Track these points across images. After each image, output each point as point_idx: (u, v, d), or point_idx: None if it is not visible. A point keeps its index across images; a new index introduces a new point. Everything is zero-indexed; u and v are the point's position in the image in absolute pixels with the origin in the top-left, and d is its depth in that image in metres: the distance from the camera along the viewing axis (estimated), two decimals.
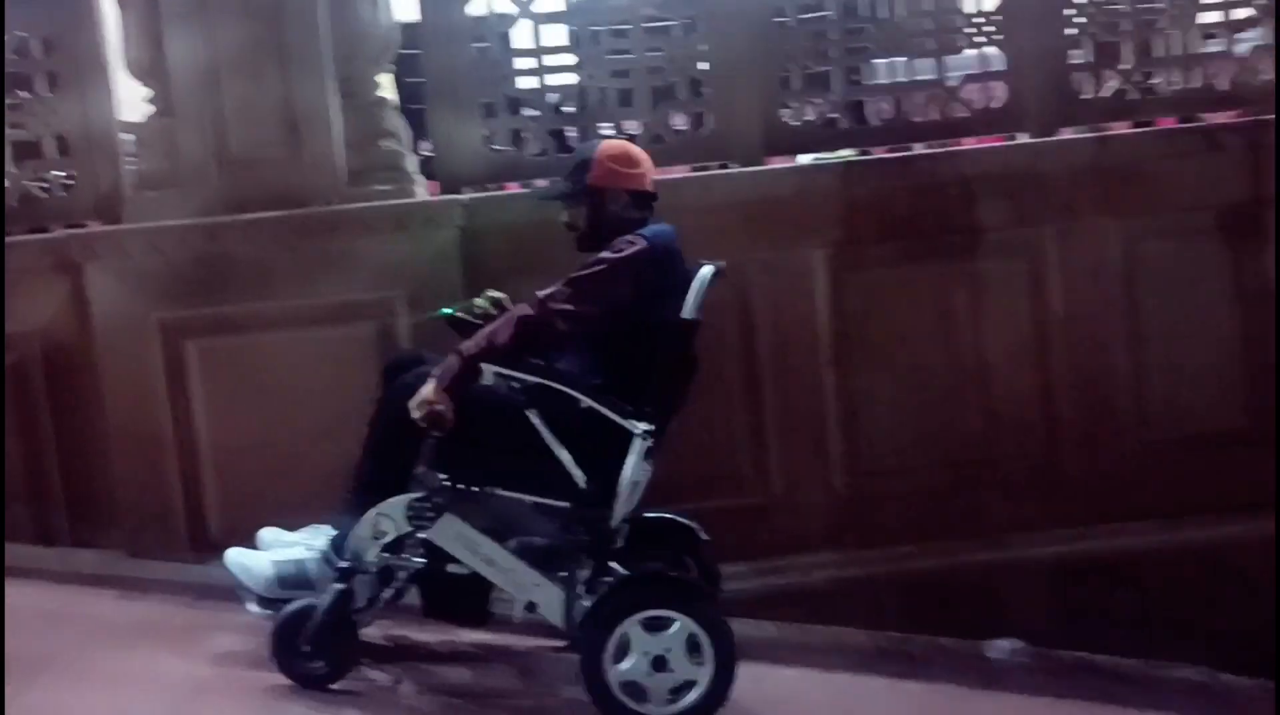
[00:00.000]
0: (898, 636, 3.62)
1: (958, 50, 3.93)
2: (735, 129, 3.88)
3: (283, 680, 2.75)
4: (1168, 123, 4.12)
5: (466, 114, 3.84)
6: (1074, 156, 3.82)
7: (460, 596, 2.88)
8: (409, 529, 2.73)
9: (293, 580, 2.84)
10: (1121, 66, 3.99)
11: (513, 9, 3.82)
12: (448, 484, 2.73)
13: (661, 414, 2.73)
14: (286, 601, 2.78)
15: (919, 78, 3.96)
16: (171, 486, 3.57)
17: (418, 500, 2.72)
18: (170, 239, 3.51)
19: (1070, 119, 3.95)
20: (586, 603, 2.71)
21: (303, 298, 3.55)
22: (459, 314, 2.93)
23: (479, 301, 2.99)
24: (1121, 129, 4.06)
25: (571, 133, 3.94)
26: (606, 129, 3.91)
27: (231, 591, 3.33)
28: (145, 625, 3.10)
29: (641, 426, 2.66)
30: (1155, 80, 4.03)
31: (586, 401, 2.68)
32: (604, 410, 2.67)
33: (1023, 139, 3.97)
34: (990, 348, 3.84)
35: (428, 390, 2.63)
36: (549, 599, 2.74)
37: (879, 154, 4.03)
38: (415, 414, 2.62)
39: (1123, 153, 3.85)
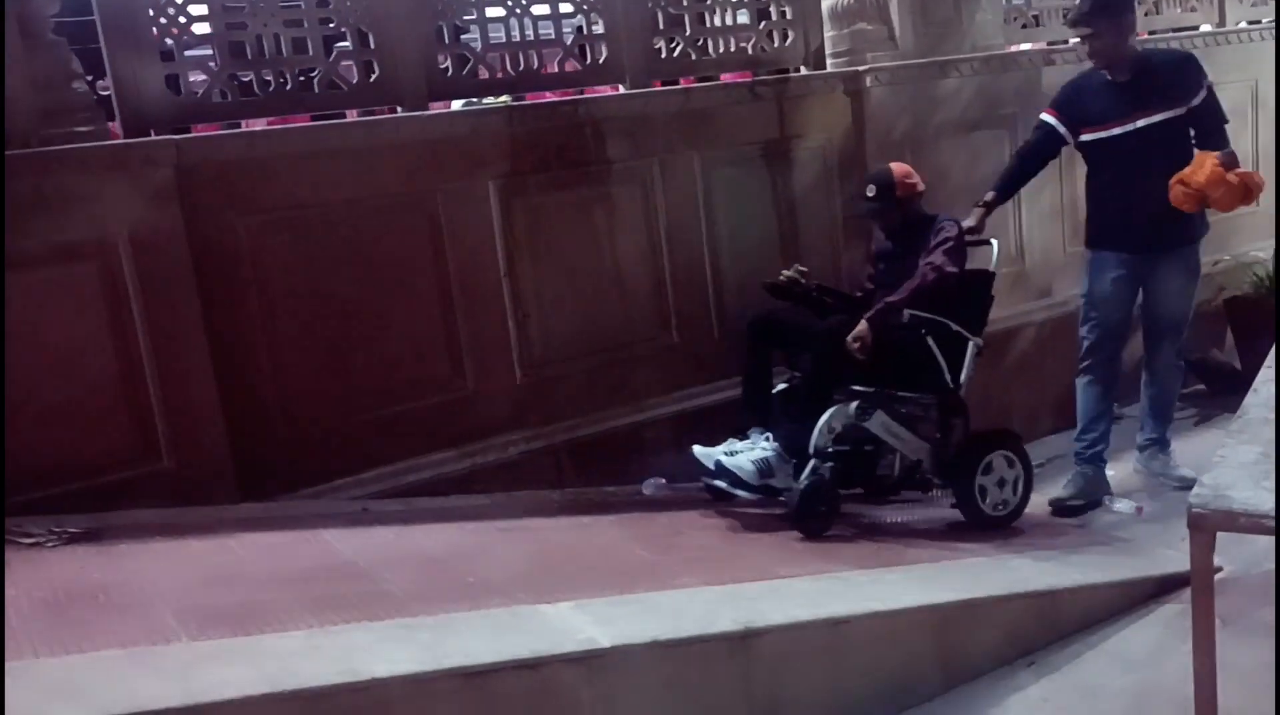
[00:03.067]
0: (575, 491, 4.52)
1: (573, 15, 4.75)
2: (402, 76, 4.28)
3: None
4: (746, 76, 5.25)
5: (146, 58, 3.88)
6: (668, 104, 4.77)
7: (859, 469, 4.19)
8: (855, 422, 4.01)
9: (765, 472, 3.99)
10: (688, 34, 4.99)
11: None
12: (874, 391, 4.08)
13: (980, 332, 4.26)
14: (760, 487, 3.99)
15: (544, 36, 4.67)
16: None
17: (861, 403, 4.02)
18: None
19: (656, 74, 4.89)
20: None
21: (18, 241, 3.48)
22: (775, 282, 4.36)
23: (786, 273, 4.36)
24: (705, 83, 5.11)
25: (248, 78, 4.14)
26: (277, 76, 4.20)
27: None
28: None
29: (979, 341, 4.21)
30: (711, 45, 5.11)
31: (954, 327, 4.14)
32: (965, 333, 4.17)
33: (624, 90, 4.94)
34: (621, 255, 4.69)
35: (861, 328, 3.97)
36: (929, 457, 4.22)
37: (517, 100, 4.74)
38: (853, 346, 3.94)
39: (700, 101, 4.87)
